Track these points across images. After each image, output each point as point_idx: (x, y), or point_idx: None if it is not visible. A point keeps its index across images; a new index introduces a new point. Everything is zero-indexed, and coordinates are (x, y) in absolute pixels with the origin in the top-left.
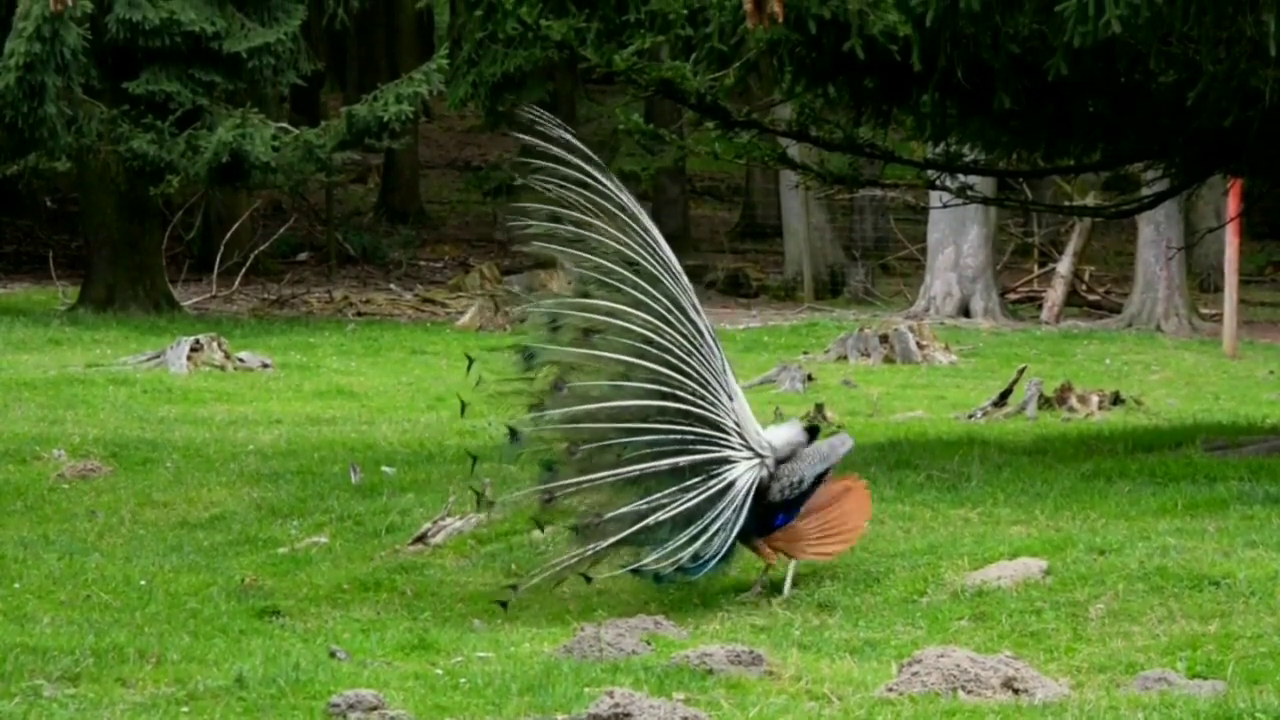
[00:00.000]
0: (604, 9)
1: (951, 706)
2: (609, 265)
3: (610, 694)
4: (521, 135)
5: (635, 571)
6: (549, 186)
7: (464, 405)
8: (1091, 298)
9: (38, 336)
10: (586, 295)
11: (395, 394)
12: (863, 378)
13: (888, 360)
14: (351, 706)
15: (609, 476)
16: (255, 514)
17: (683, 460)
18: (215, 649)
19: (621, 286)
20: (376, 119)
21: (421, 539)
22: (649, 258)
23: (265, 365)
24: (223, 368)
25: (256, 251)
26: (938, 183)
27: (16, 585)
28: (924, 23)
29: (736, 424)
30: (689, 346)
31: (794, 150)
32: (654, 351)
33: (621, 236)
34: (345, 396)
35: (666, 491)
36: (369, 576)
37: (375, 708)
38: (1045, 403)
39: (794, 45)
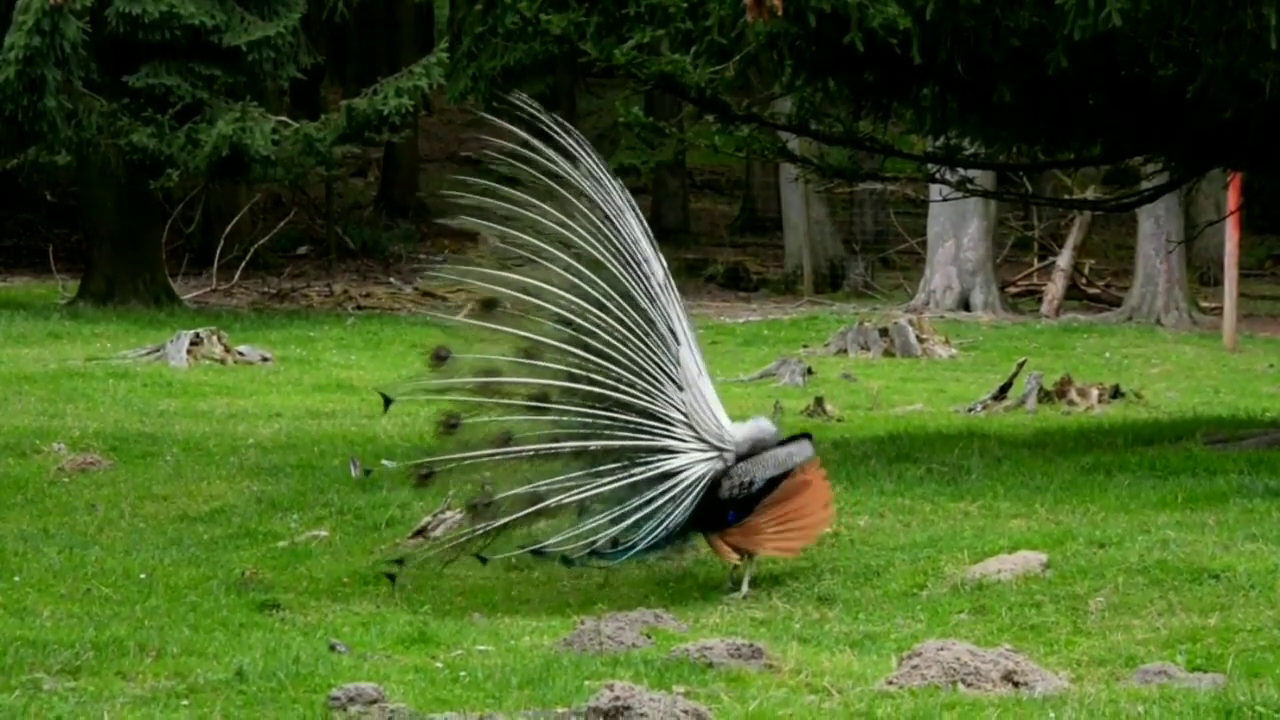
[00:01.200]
0: (604, 3)
1: (951, 699)
2: (540, 245)
3: (610, 687)
4: (509, 125)
5: (537, 553)
6: (499, 164)
7: (388, 402)
8: (1091, 291)
9: (38, 330)
10: (501, 269)
11: (395, 388)
12: (863, 371)
13: (888, 354)
14: (352, 699)
15: (495, 455)
16: (255, 507)
17: (594, 445)
18: (215, 642)
19: (551, 266)
20: (376, 113)
21: (421, 532)
22: (598, 245)
23: (265, 359)
24: (223, 361)
25: (256, 245)
26: (938, 176)
27: (16, 578)
28: (924, 16)
29: (684, 415)
30: (624, 334)
31: (794, 144)
32: (570, 333)
33: (567, 221)
34: (345, 390)
35: (572, 475)
36: (369, 570)
37: (375, 701)
38: (1045, 396)
39: (794, 39)
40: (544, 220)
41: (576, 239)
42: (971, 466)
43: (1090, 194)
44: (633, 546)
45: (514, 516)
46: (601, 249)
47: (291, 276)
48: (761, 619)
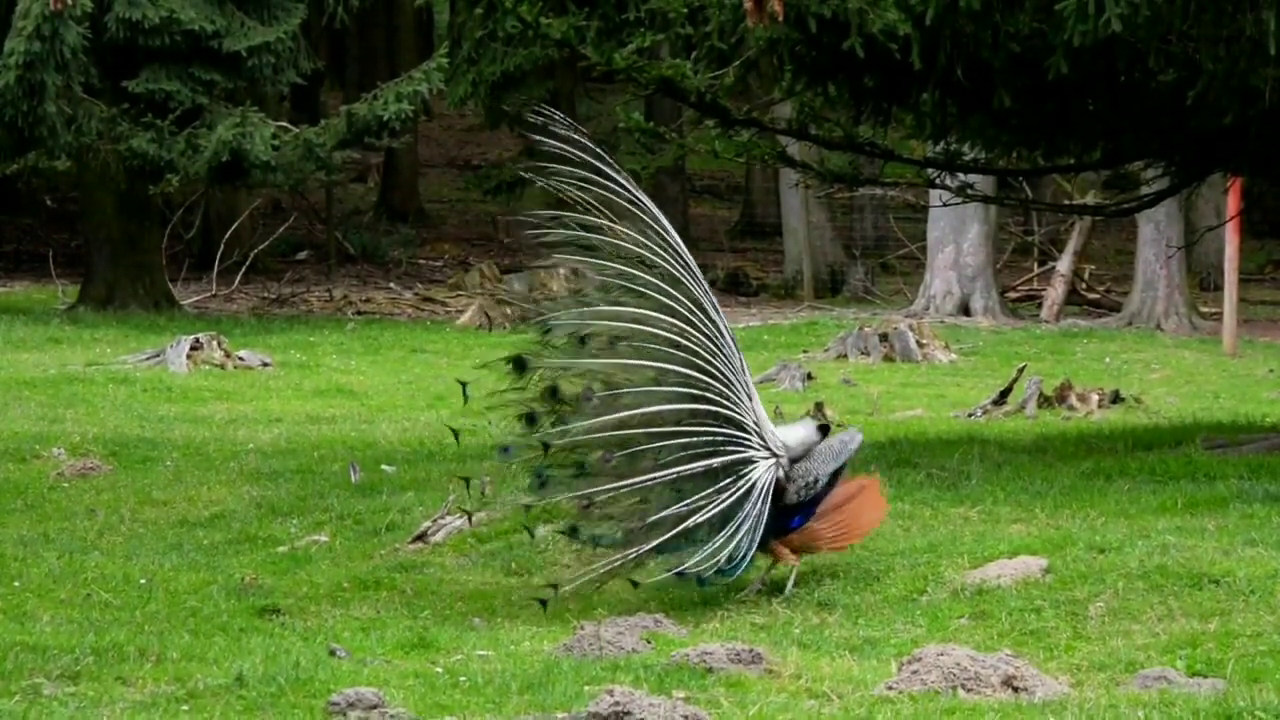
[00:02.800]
0: (604, 7)
1: (951, 705)
2: (630, 270)
3: (610, 692)
4: (532, 135)
5: (680, 575)
6: (564, 188)
7: (457, 434)
8: (1091, 296)
9: (37, 335)
10: (611, 303)
11: (395, 393)
12: (862, 376)
13: (887, 359)
14: (351, 705)
15: (647, 480)
16: (255, 512)
17: (715, 462)
18: (215, 647)
19: (645, 291)
20: (376, 118)
21: (421, 537)
22: (669, 258)
23: (265, 364)
24: (222, 366)
25: (256, 250)
26: (937, 181)
27: (16, 583)
28: (924, 21)
29: (756, 424)
30: (713, 347)
31: (794, 149)
32: (682, 355)
33: (640, 239)
34: (345, 395)
35: (703, 493)
36: (369, 575)
37: (375, 706)
38: (1045, 401)
39: (794, 44)
40: (624, 242)
41: (653, 256)
42: (971, 472)
43: (1090, 199)
44: (743, 559)
45: (663, 539)
46: (674, 263)
47: (291, 282)
48: (761, 624)
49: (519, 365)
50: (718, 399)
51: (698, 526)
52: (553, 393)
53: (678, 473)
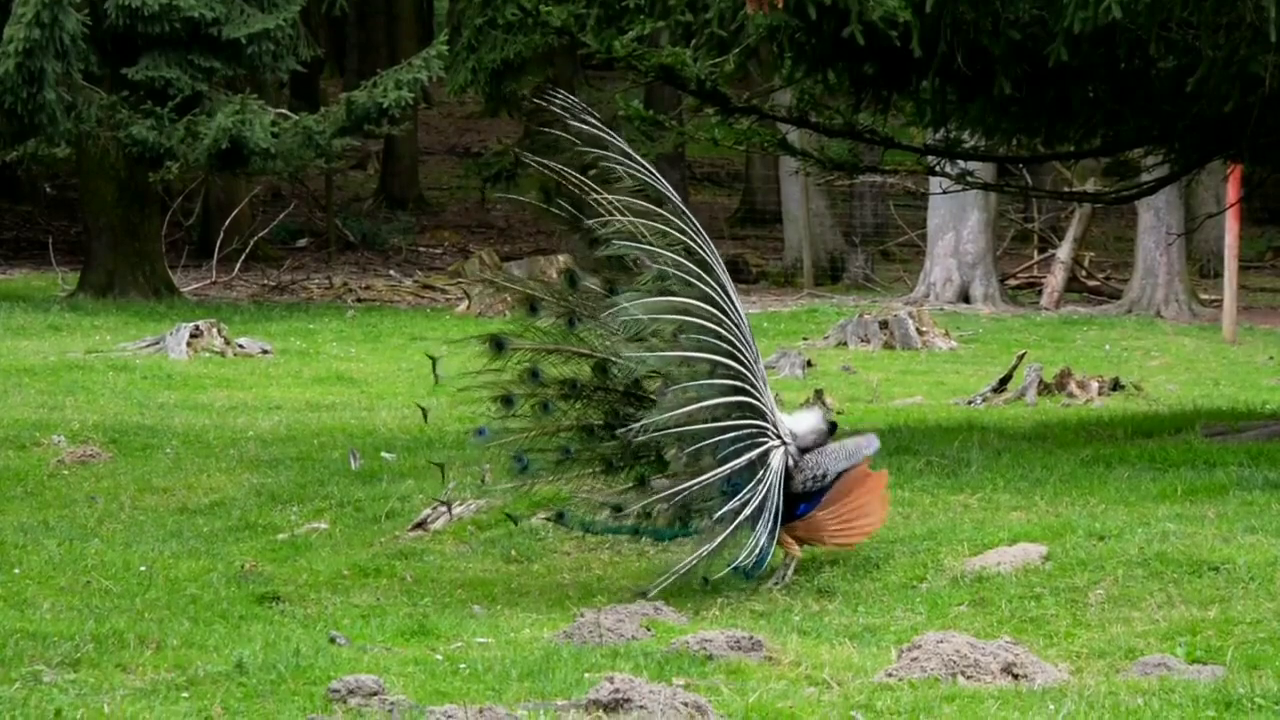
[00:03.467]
0: None
1: (951, 691)
2: (679, 259)
3: (610, 679)
4: (568, 122)
5: (735, 569)
6: (629, 172)
7: (425, 413)
8: (1091, 283)
9: (37, 322)
10: (667, 293)
11: (395, 380)
12: (862, 363)
13: (887, 346)
14: (351, 692)
15: (715, 476)
16: (255, 500)
17: (754, 454)
18: (215, 634)
19: (692, 281)
20: (376, 105)
21: (421, 525)
22: (701, 245)
23: (265, 351)
24: (222, 354)
25: (256, 237)
26: (937, 168)
27: (16, 571)
28: (924, 9)
29: (771, 411)
30: (744, 337)
31: (794, 136)
32: (725, 346)
33: (684, 227)
34: (345, 382)
35: (748, 486)
36: (369, 562)
37: (375, 693)
38: (1045, 388)
39: (794, 31)
40: (671, 231)
41: (692, 244)
42: (971, 459)
43: (1090, 186)
44: (768, 551)
45: (728, 533)
46: (706, 251)
47: (291, 269)
48: (761, 611)
49: (497, 346)
50: (751, 390)
51: (748, 519)
52: (533, 375)
53: (733, 467)
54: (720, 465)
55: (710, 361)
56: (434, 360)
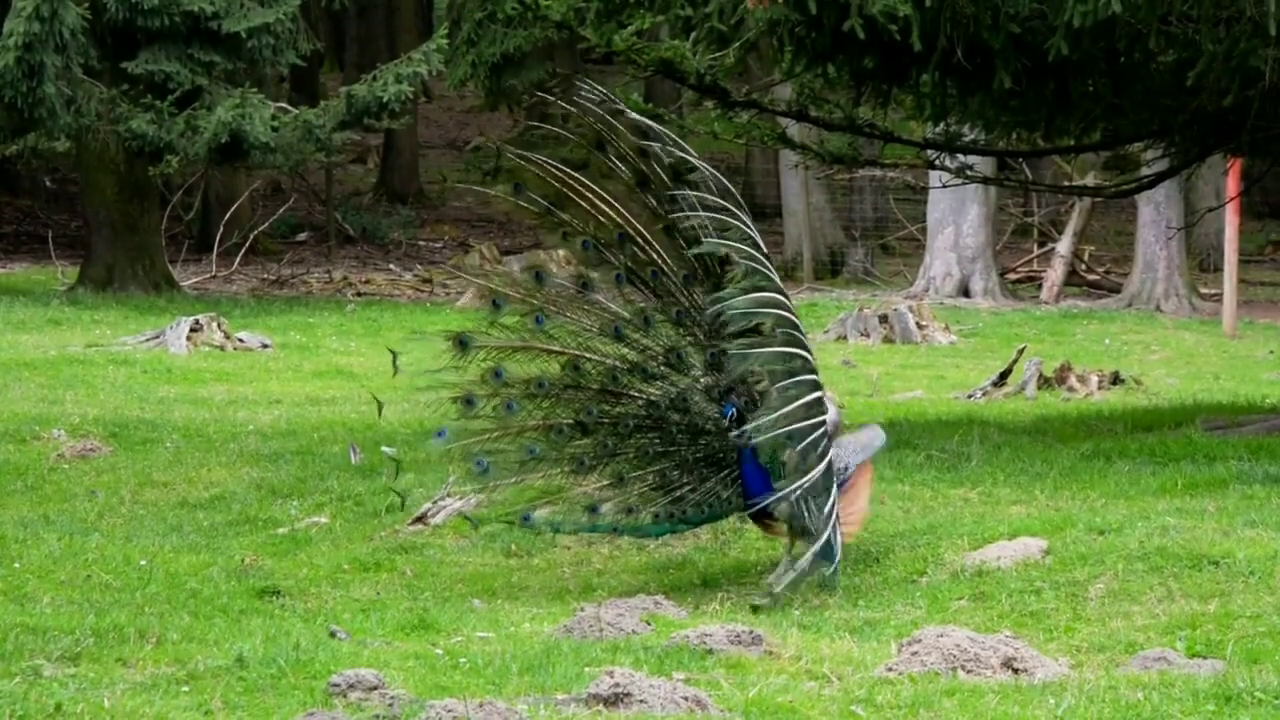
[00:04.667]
0: None
1: (951, 686)
2: (754, 253)
3: (610, 674)
4: (545, 124)
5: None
6: (702, 166)
7: (380, 406)
8: (1091, 278)
9: (37, 316)
10: (757, 289)
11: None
12: (862, 357)
13: (887, 340)
14: (351, 686)
15: (818, 473)
16: (255, 494)
17: (834, 449)
18: (215, 629)
19: (771, 276)
20: (376, 99)
21: (421, 519)
22: (760, 241)
23: (265, 345)
24: (222, 348)
25: (256, 232)
26: (937, 163)
27: (16, 565)
28: (923, 2)
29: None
30: (804, 331)
31: (793, 130)
32: (805, 340)
33: (748, 219)
34: (345, 376)
35: (830, 481)
36: (369, 556)
37: (375, 687)
38: (1045, 382)
39: (793, 25)
40: (738, 224)
41: (753, 235)
42: (971, 453)
43: (1090, 180)
44: (837, 545)
45: (830, 529)
46: (763, 244)
47: (291, 263)
48: (760, 605)
49: (461, 344)
50: (821, 384)
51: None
52: (496, 375)
53: (827, 463)
54: (821, 461)
55: (800, 358)
56: (394, 354)
